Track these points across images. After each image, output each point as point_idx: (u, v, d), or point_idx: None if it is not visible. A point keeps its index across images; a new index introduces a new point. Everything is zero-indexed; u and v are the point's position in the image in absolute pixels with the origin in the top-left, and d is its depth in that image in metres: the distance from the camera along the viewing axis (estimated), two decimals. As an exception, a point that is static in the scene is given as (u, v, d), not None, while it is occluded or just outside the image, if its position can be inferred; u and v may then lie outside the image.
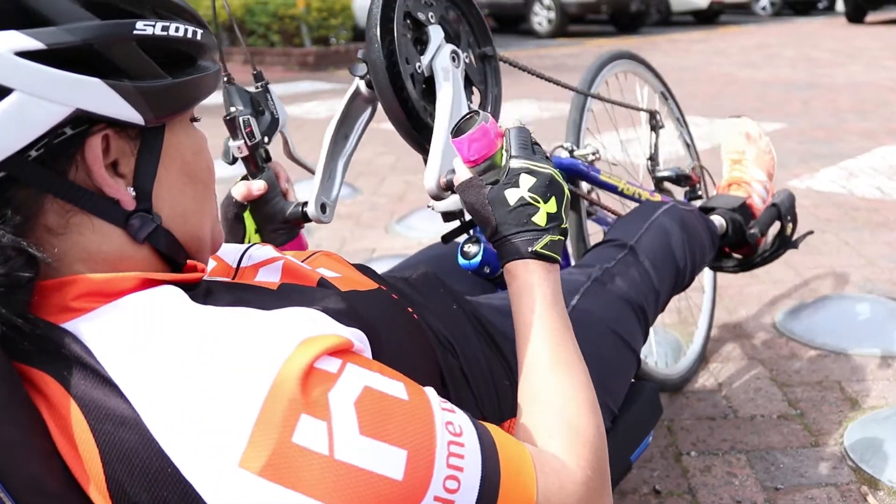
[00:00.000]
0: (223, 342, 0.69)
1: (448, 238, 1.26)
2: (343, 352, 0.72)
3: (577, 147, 1.91)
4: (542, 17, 13.30)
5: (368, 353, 0.79)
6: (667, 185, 2.15)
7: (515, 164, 0.97)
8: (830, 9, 17.16)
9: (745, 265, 1.92)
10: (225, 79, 1.25)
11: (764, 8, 16.52)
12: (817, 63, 8.76)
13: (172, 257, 0.82)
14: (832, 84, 7.26)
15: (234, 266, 0.97)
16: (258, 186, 1.24)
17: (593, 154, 1.86)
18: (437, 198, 1.10)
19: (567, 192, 0.99)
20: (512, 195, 0.96)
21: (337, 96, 7.10)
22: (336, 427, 0.67)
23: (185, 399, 0.66)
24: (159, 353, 0.69)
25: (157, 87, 0.75)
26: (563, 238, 0.98)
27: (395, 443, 0.69)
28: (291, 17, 10.52)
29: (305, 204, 1.26)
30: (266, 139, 1.26)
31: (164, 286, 0.77)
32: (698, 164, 2.18)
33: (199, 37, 0.79)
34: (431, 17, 1.19)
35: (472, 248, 1.30)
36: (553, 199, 0.96)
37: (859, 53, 9.39)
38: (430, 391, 0.77)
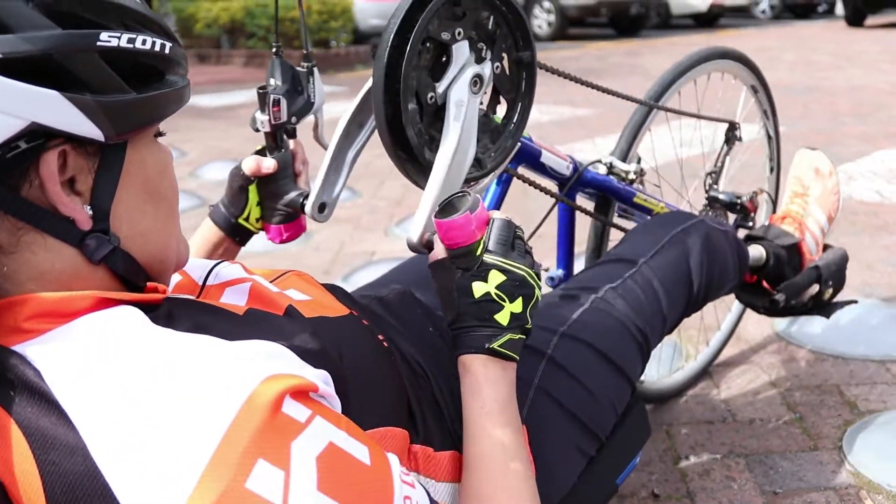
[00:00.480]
0: (182, 372, 0.66)
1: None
2: (309, 399, 0.70)
3: (624, 160, 1.77)
4: (541, 20, 13.31)
5: (333, 394, 0.76)
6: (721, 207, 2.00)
7: (489, 259, 0.94)
8: (830, 12, 17.16)
9: (770, 311, 1.80)
10: (274, 50, 1.25)
11: (763, 11, 16.53)
12: (816, 66, 8.76)
13: (131, 280, 0.78)
14: (831, 88, 7.26)
15: (200, 283, 0.93)
16: (268, 165, 1.24)
17: (636, 172, 1.72)
18: (415, 251, 1.06)
19: (538, 294, 0.97)
20: (478, 289, 0.93)
21: (337, 99, 7.10)
22: (294, 478, 0.64)
23: (136, 430, 0.63)
24: (113, 380, 0.66)
25: (119, 101, 0.71)
26: (524, 337, 0.96)
27: None
28: (291, 20, 10.52)
29: (307, 196, 1.25)
30: (294, 119, 1.25)
31: (122, 307, 0.74)
32: (760, 190, 2.02)
33: (167, 50, 0.76)
34: (459, 33, 1.05)
35: None
36: (520, 299, 0.94)
37: (858, 57, 9.39)
38: (394, 461, 0.75)
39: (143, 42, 0.73)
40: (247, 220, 1.27)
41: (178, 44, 0.78)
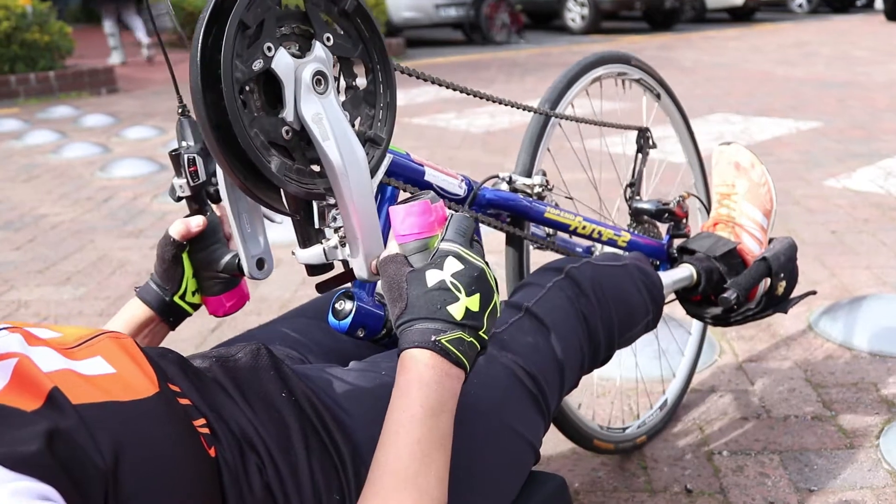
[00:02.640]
0: None
1: (323, 288, 1.07)
2: None
3: (529, 175, 1.56)
4: (575, 14, 13.24)
5: None
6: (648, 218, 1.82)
7: (445, 246, 0.86)
8: (869, 6, 16.91)
9: (722, 319, 1.68)
10: (179, 110, 1.13)
11: (800, 5, 16.32)
12: (855, 61, 8.64)
13: None
14: (870, 82, 7.16)
15: None
16: (196, 223, 1.13)
17: (541, 185, 1.52)
18: (330, 266, 0.98)
19: (497, 300, 0.87)
20: (432, 277, 0.83)
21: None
22: None
23: None
24: None
25: None
26: (477, 344, 0.84)
27: None
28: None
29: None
30: (214, 179, 1.13)
31: None
32: (687, 194, 1.85)
33: None
34: (269, 48, 0.87)
35: (343, 307, 1.12)
36: (478, 295, 0.84)
37: (898, 51, 9.25)
38: None
39: None
40: (183, 297, 1.15)
41: None
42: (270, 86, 0.89)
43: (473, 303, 0.84)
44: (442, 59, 10.36)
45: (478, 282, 0.85)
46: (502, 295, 1.09)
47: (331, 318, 1.12)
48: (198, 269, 1.16)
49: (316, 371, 1.04)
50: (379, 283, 0.92)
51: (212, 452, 0.82)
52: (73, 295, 2.95)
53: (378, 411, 0.83)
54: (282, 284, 2.84)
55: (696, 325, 2.10)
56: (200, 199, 1.15)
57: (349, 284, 1.11)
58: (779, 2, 15.67)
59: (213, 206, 1.17)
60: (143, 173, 4.73)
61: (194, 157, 1.12)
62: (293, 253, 1.02)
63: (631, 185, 1.82)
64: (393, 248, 0.89)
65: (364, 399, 0.97)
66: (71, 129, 6.26)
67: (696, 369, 2.09)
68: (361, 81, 1.01)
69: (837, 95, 6.53)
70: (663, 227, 1.83)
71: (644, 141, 1.84)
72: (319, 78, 0.91)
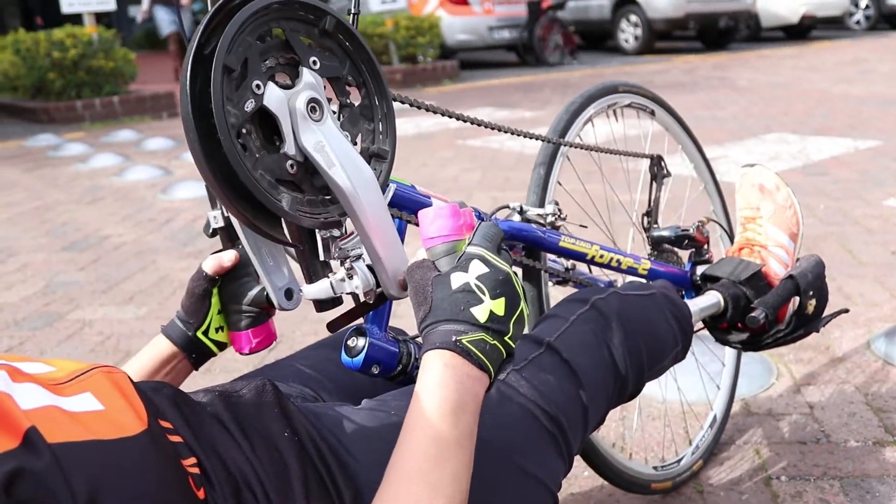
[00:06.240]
0: None
1: (334, 326, 1.06)
2: None
3: (541, 206, 1.53)
4: (628, 34, 13.21)
5: None
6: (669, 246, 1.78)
7: (471, 249, 0.85)
8: (930, 23, 16.58)
9: (753, 344, 1.62)
10: None
11: (858, 22, 16.06)
12: (915, 79, 8.48)
13: None
14: (931, 100, 7.02)
15: None
16: (229, 257, 1.13)
17: (554, 214, 1.49)
18: (338, 301, 0.96)
19: (524, 308, 0.86)
20: (457, 279, 0.83)
21: (423, 114, 7.18)
22: None
23: None
24: None
25: None
26: (502, 350, 0.83)
27: None
28: (380, 36, 10.69)
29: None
30: None
31: None
32: (707, 219, 1.80)
33: None
34: (258, 86, 0.86)
35: (356, 343, 1.10)
36: (503, 300, 0.83)
37: (961, 69, 9.06)
38: None
39: None
40: (206, 333, 1.14)
41: None
42: (266, 122, 0.88)
43: (498, 307, 0.83)
44: (496, 81, 10.41)
45: (503, 286, 0.84)
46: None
47: (343, 355, 1.11)
48: (226, 303, 1.16)
49: (325, 409, 1.01)
50: (390, 317, 0.92)
51: (200, 494, 0.79)
52: (135, 314, 3.02)
53: (384, 455, 0.81)
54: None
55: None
56: (233, 232, 1.14)
57: (360, 321, 1.10)
58: (835, 19, 15.44)
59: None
60: (202, 195, 4.83)
61: None
62: (299, 290, 1.02)
63: (647, 213, 1.80)
64: (420, 254, 0.89)
65: (371, 441, 0.95)
66: (133, 153, 6.43)
67: (738, 377, 2.07)
68: (355, 96, 1.01)
69: (898, 114, 6.42)
70: (684, 255, 1.80)
71: (657, 168, 1.81)
72: (314, 105, 0.90)
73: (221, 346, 1.16)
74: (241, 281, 1.15)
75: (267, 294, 1.11)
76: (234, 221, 1.08)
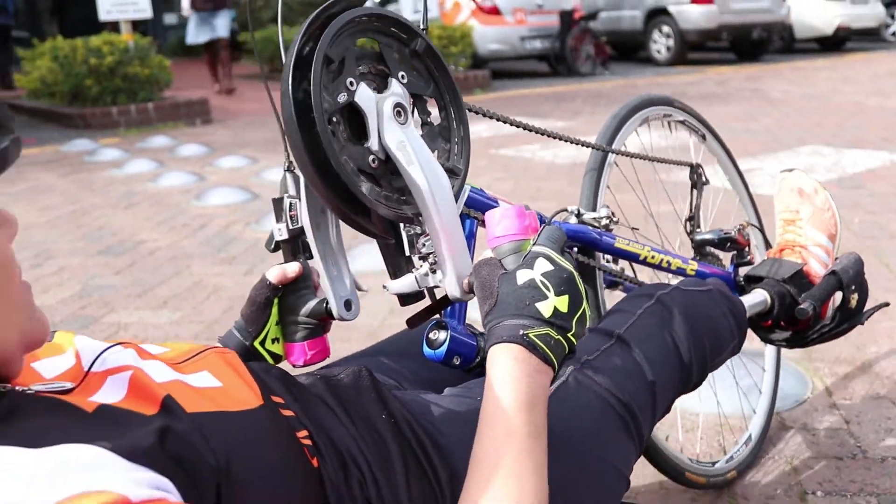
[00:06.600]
0: None
1: (413, 322, 1.10)
2: None
3: (594, 209, 1.62)
4: (660, 45, 13.16)
5: (175, 498, 0.65)
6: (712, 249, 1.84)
7: (536, 248, 0.89)
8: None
9: (798, 341, 1.67)
10: (285, 166, 1.20)
11: (894, 33, 15.90)
12: (953, 92, 8.38)
13: None
14: (969, 114, 6.93)
15: (86, 369, 0.82)
16: (293, 269, 1.17)
17: (607, 217, 1.58)
18: (421, 295, 1.01)
19: (587, 307, 0.89)
20: (522, 275, 0.86)
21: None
22: None
23: None
24: None
25: None
26: (566, 345, 0.86)
27: None
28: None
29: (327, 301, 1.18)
30: None
31: None
32: (749, 222, 1.90)
33: None
34: (351, 83, 0.94)
35: (438, 336, 1.13)
36: (567, 297, 0.86)
37: None
38: None
39: None
40: (262, 343, 1.17)
41: (1, 105, 0.71)
42: (354, 120, 0.96)
43: (562, 303, 0.86)
44: (527, 91, 10.41)
45: (567, 283, 0.87)
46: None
47: (425, 348, 1.15)
48: (284, 314, 1.19)
49: (412, 396, 1.07)
50: (468, 311, 0.95)
51: (314, 462, 0.85)
52: (169, 318, 3.05)
53: (473, 435, 0.84)
54: (370, 313, 2.90)
55: (769, 358, 2.09)
56: (296, 246, 1.20)
57: (438, 316, 1.14)
58: (871, 31, 15.29)
59: (304, 256, 1.22)
60: (235, 202, 4.88)
61: (295, 203, 1.18)
62: (384, 287, 1.06)
63: (690, 218, 1.87)
64: (487, 253, 0.92)
65: (460, 423, 0.98)
66: (168, 159, 6.50)
67: (776, 402, 2.06)
68: (435, 116, 1.08)
69: (935, 127, 6.34)
70: (726, 259, 1.85)
71: (697, 177, 1.89)
72: (399, 109, 0.97)
73: (277, 359, 1.19)
74: (301, 293, 1.18)
75: (326, 306, 1.16)
76: (308, 230, 1.16)
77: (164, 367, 0.84)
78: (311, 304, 1.18)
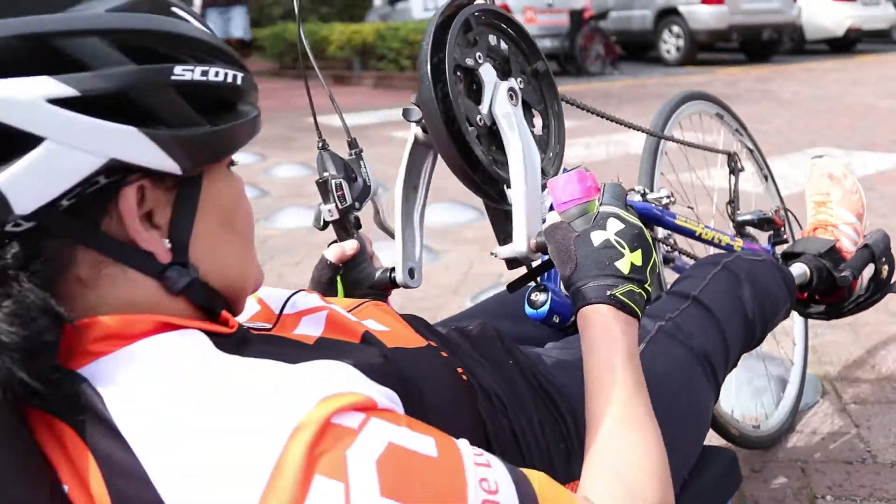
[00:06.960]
0: (237, 398, 0.66)
1: (514, 287, 1.20)
2: (366, 408, 0.68)
3: (651, 191, 1.81)
4: (670, 45, 13.13)
5: (396, 410, 0.73)
6: (749, 229, 2.02)
7: (605, 209, 0.94)
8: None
9: (835, 312, 1.79)
10: (320, 145, 1.26)
11: (906, 36, 15.84)
12: (964, 95, 8.35)
13: (208, 308, 0.78)
14: (981, 117, 6.91)
15: (277, 312, 0.92)
16: (351, 246, 1.23)
17: (667, 198, 1.76)
18: (526, 260, 1.08)
19: (656, 255, 0.95)
20: (597, 237, 0.92)
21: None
22: (354, 488, 0.62)
23: (191, 459, 0.64)
24: (169, 407, 0.66)
25: (195, 135, 0.71)
26: (644, 295, 0.92)
27: None
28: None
29: (393, 270, 1.24)
30: (357, 205, 1.26)
31: (185, 331, 0.74)
32: (782, 206, 2.08)
33: (238, 81, 0.75)
34: (480, 57, 1.10)
35: (539, 297, 1.22)
36: (640, 251, 0.92)
37: None
38: (464, 445, 0.72)
39: (216, 74, 0.73)
40: None
41: (248, 74, 0.77)
42: (472, 88, 1.11)
43: (637, 258, 0.91)
44: (535, 90, 10.39)
45: (638, 238, 0.92)
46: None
47: (527, 308, 1.22)
48: (348, 289, 1.25)
49: (524, 348, 1.16)
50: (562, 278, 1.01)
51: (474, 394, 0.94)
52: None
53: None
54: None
55: (798, 331, 2.22)
56: (346, 223, 1.25)
57: (534, 283, 1.23)
58: (882, 32, 15.23)
59: (357, 231, 1.28)
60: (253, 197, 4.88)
61: (341, 182, 1.23)
62: (492, 253, 1.15)
63: (730, 201, 2.05)
64: (554, 218, 0.98)
65: (572, 370, 1.04)
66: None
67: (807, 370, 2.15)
68: (537, 129, 1.21)
69: (946, 130, 6.32)
70: (762, 239, 2.02)
71: (734, 164, 2.08)
72: (512, 94, 1.12)
73: None
74: (360, 267, 1.25)
75: (390, 275, 1.24)
76: (397, 199, 1.25)
77: (344, 311, 0.94)
78: (377, 274, 1.25)
